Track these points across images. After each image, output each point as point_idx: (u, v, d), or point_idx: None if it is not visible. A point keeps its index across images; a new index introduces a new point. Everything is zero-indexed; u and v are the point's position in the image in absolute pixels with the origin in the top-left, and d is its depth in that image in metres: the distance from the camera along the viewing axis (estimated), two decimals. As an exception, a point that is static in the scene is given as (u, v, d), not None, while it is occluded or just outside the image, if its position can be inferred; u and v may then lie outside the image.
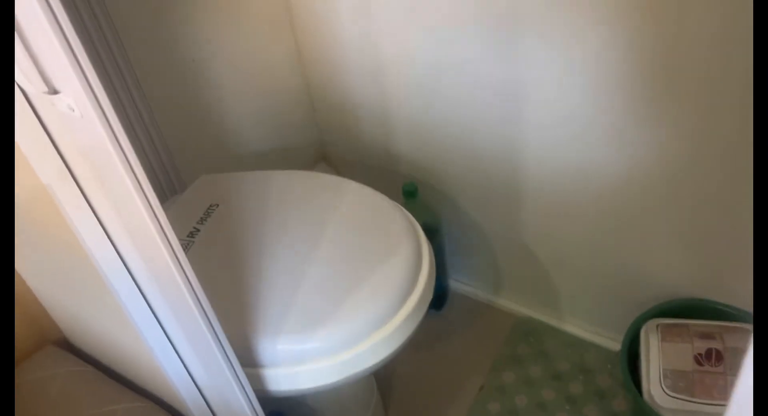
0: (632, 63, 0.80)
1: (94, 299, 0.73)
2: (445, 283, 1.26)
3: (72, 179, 0.54)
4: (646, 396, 0.88)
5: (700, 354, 0.87)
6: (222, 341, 0.66)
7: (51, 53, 0.39)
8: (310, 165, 1.33)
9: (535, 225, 1.09)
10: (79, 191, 0.55)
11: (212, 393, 0.74)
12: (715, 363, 0.86)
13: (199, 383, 0.74)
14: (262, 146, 1.20)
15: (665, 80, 0.79)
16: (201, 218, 0.90)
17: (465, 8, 0.89)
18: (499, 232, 1.15)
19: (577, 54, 0.83)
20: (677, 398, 0.85)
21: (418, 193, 1.12)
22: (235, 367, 0.68)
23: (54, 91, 0.44)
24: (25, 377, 0.81)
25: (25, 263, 0.79)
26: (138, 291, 0.64)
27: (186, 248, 0.85)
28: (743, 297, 0.92)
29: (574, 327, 1.18)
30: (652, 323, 0.94)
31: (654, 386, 0.87)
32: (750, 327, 0.89)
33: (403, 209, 0.89)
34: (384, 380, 1.16)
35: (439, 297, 1.26)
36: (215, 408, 0.76)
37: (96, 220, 0.58)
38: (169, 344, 0.70)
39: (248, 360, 0.74)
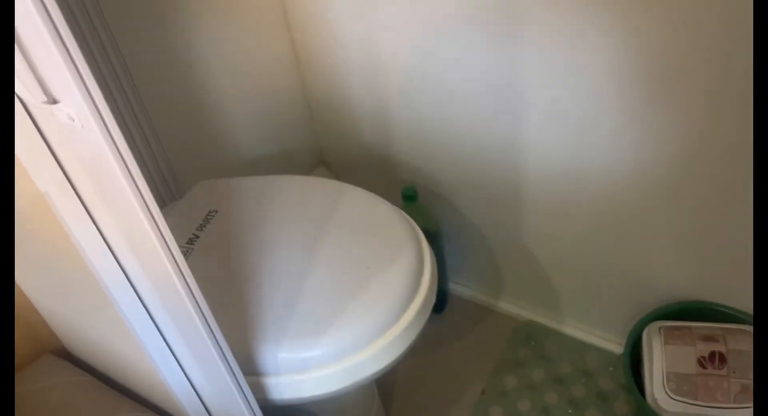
0: (633, 64, 0.79)
1: (92, 307, 0.72)
2: (444, 286, 1.26)
3: (71, 189, 0.54)
4: (649, 399, 0.87)
5: (703, 357, 0.86)
6: (224, 349, 0.65)
7: (51, 63, 0.39)
8: (309, 169, 1.32)
9: (536, 227, 1.09)
10: (78, 201, 0.55)
11: (214, 403, 0.73)
12: (719, 365, 0.85)
13: (201, 392, 0.73)
14: (260, 150, 1.20)
15: (665, 81, 0.79)
16: (200, 224, 0.89)
17: (464, 10, 0.89)
18: (499, 234, 1.15)
19: (577, 55, 0.83)
20: (681, 401, 0.84)
21: (418, 196, 1.11)
22: (237, 376, 0.68)
23: (53, 101, 0.43)
24: (23, 387, 0.80)
25: (22, 273, 0.78)
26: (138, 300, 0.64)
27: (185, 255, 0.85)
28: (745, 299, 0.92)
29: (575, 330, 1.18)
30: (654, 325, 0.93)
31: (657, 389, 0.86)
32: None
33: (404, 214, 0.88)
34: (385, 385, 1.15)
35: (439, 301, 1.24)
36: (217, 417, 0.75)
37: (95, 229, 0.57)
38: (170, 353, 0.70)
39: (250, 369, 0.74)
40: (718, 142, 0.80)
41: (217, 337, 0.64)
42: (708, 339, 0.88)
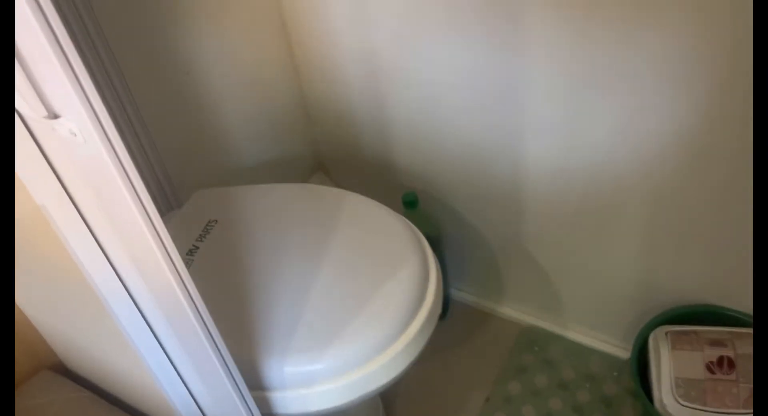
0: (635, 64, 0.79)
1: (91, 322, 0.71)
2: (446, 292, 1.25)
3: (70, 202, 0.53)
4: (657, 404, 0.87)
5: (711, 362, 0.86)
6: (229, 364, 0.64)
7: (52, 78, 0.37)
8: (307, 175, 1.31)
9: (537, 231, 1.08)
10: (78, 214, 0.53)
11: (218, 419, 0.72)
12: (728, 370, 0.85)
13: (204, 408, 0.71)
14: (257, 157, 1.18)
15: (667, 82, 0.78)
16: (200, 235, 0.87)
17: (464, 14, 0.88)
18: (501, 239, 1.14)
19: (577, 57, 0.82)
20: (690, 407, 0.84)
21: (419, 202, 1.10)
22: (242, 391, 0.66)
23: (54, 116, 0.41)
24: (21, 403, 0.78)
25: (17, 288, 0.76)
26: (138, 313, 0.62)
27: (186, 266, 0.83)
28: (752, 302, 0.91)
29: (578, 335, 1.17)
30: (661, 330, 0.93)
31: (666, 395, 0.85)
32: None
33: (407, 221, 0.87)
34: (388, 394, 1.14)
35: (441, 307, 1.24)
36: (221, 434, 0.74)
37: (95, 243, 0.56)
38: (172, 367, 0.68)
39: (255, 383, 0.72)
40: (725, 143, 0.79)
41: (222, 351, 0.63)
42: (716, 343, 0.87)
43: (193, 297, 0.57)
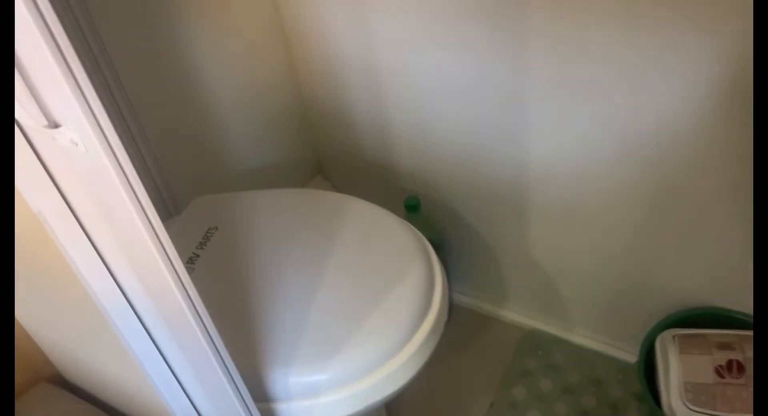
0: (634, 65, 0.78)
1: (91, 333, 0.69)
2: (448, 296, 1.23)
3: (69, 212, 0.51)
4: (666, 409, 0.86)
5: (720, 366, 0.85)
6: (233, 375, 0.63)
7: (53, 85, 0.36)
8: (306, 179, 1.30)
9: (540, 233, 1.07)
10: (77, 224, 0.52)
11: (222, 432, 0.70)
12: (737, 374, 0.84)
13: (208, 420, 0.70)
14: (256, 161, 1.17)
15: (667, 83, 0.77)
16: (200, 242, 0.86)
17: (464, 15, 0.87)
18: (503, 241, 1.13)
19: (577, 59, 0.81)
20: (699, 412, 0.83)
21: (421, 206, 1.09)
22: (247, 403, 0.65)
23: (55, 125, 0.40)
24: (19, 418, 0.76)
25: (15, 299, 0.75)
26: (140, 324, 0.61)
27: (186, 275, 0.81)
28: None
29: (582, 338, 1.16)
30: (668, 333, 0.92)
31: (675, 399, 0.84)
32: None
33: (412, 227, 0.86)
34: (391, 401, 1.12)
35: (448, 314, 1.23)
36: (225, 447, 0.72)
37: (95, 252, 0.55)
38: (174, 379, 0.67)
39: (259, 394, 0.70)
40: (730, 142, 0.79)
41: (227, 362, 0.61)
42: (724, 346, 0.86)
43: (197, 307, 0.56)
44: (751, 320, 0.91)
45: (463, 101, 0.97)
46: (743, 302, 0.92)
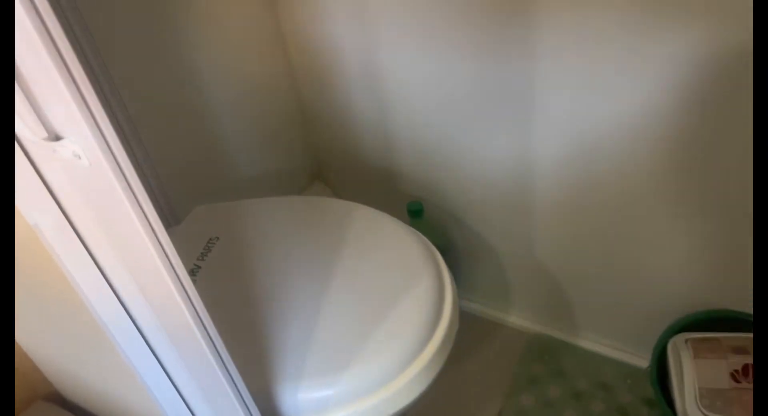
0: (637, 64, 0.77)
1: (90, 350, 0.67)
2: (452, 303, 1.21)
3: (69, 226, 0.49)
4: (680, 415, 0.84)
5: (736, 371, 0.83)
6: (243, 393, 0.60)
7: (55, 97, 0.33)
8: (305, 185, 1.27)
9: (546, 237, 1.05)
10: (77, 238, 0.50)
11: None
12: (753, 379, 0.82)
13: (215, 440, 0.67)
14: (254, 168, 1.14)
15: (667, 83, 0.76)
16: (201, 253, 0.83)
17: (464, 20, 0.85)
18: (508, 246, 1.11)
19: (582, 59, 0.80)
20: (716, 418, 0.81)
21: (424, 212, 1.07)
22: (256, 421, 0.62)
23: (56, 138, 0.38)
24: (15, 439, 0.74)
25: (11, 316, 0.72)
26: (142, 340, 0.59)
27: (188, 287, 0.79)
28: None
29: (589, 343, 1.14)
30: (680, 337, 0.90)
31: (690, 406, 0.83)
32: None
33: (419, 233, 0.84)
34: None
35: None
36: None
37: (96, 267, 0.52)
38: (179, 397, 0.64)
39: (267, 411, 0.68)
40: (738, 143, 0.77)
41: (236, 380, 0.59)
42: (739, 350, 0.85)
43: (204, 322, 0.53)
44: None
45: (465, 104, 0.95)
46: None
